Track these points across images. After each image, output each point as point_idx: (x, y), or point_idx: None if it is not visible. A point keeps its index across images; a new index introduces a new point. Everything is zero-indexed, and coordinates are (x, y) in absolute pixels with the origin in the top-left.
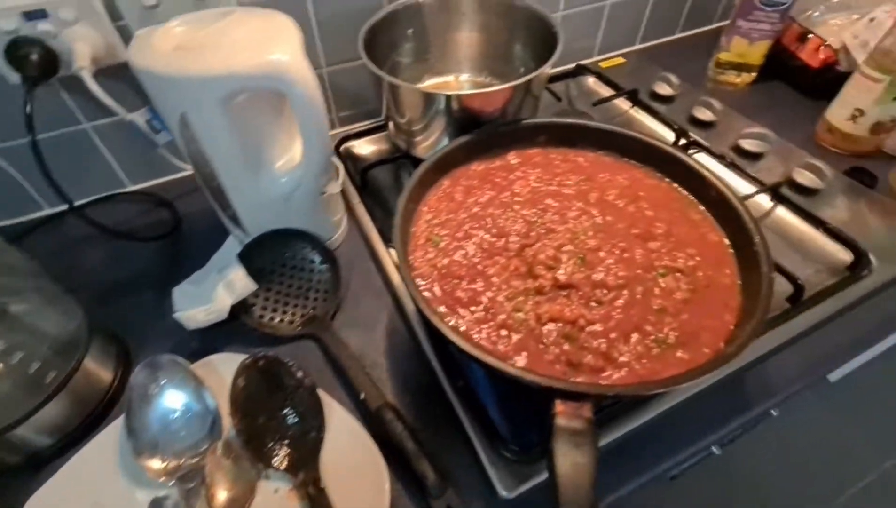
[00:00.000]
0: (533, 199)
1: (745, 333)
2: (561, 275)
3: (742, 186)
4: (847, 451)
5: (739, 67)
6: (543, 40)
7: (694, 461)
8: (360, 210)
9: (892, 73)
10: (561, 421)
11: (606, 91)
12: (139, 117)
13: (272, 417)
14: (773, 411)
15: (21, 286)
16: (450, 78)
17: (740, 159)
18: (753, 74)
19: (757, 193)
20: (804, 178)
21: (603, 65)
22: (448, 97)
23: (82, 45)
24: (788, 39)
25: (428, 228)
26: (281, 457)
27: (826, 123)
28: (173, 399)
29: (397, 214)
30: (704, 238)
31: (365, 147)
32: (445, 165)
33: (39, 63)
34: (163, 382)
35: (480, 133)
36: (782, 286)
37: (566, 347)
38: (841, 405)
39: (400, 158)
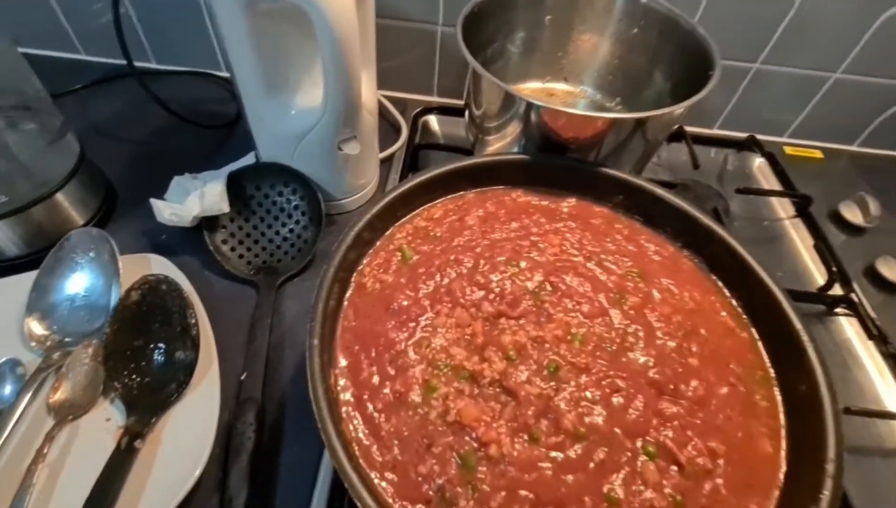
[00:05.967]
0: (554, 265)
1: None
2: (513, 374)
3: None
4: None
5: None
6: (694, 81)
7: None
8: (390, 186)
9: None
10: None
11: (771, 183)
12: None
13: (146, 346)
14: None
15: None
16: (566, 87)
17: None
18: None
19: None
20: None
21: (788, 150)
22: (529, 104)
23: None
24: None
25: (413, 235)
26: (127, 389)
27: None
28: (87, 280)
29: (382, 202)
30: (752, 438)
31: (444, 126)
32: (479, 176)
33: None
34: (90, 256)
35: (540, 159)
36: None
37: (453, 472)
38: None
39: (460, 152)
